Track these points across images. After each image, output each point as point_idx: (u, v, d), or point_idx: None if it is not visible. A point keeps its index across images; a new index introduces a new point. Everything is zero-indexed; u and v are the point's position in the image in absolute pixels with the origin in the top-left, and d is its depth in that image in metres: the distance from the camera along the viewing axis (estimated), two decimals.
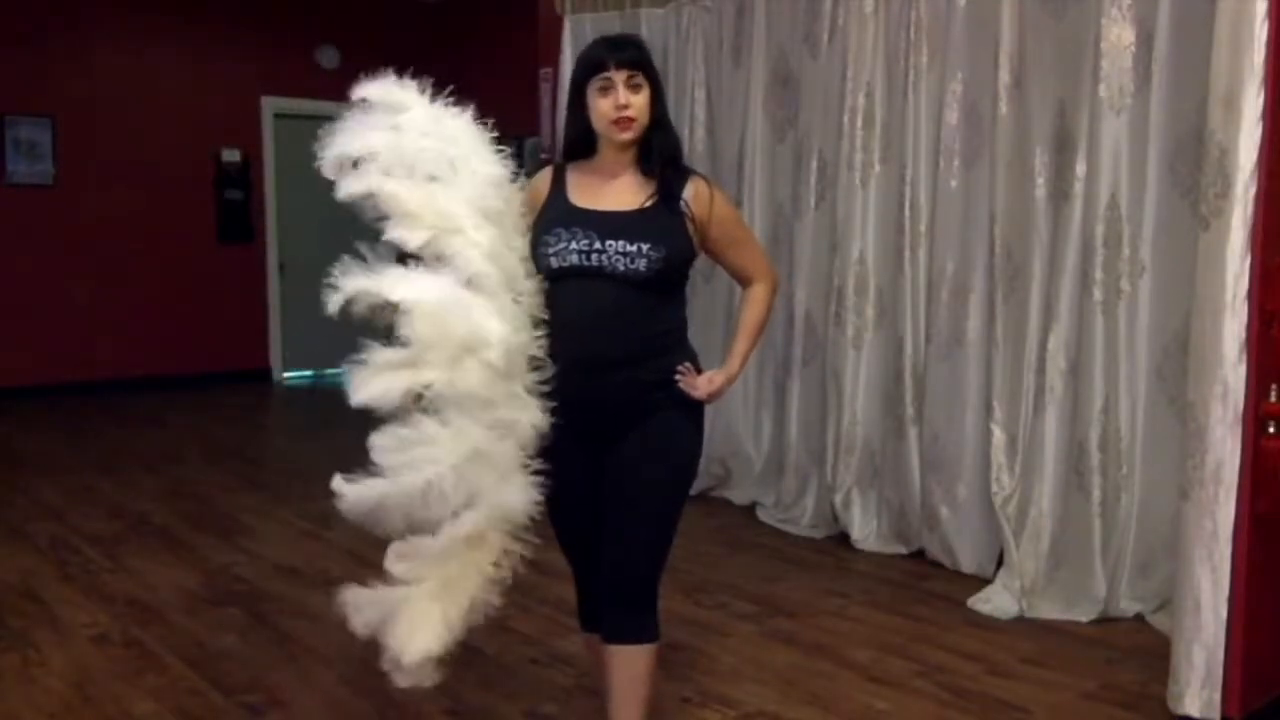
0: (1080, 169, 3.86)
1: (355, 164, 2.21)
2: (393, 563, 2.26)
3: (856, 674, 3.33)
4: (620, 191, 2.35)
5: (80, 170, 8.19)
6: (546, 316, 2.29)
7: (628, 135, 2.31)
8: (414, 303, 2.11)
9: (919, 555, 4.46)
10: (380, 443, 2.16)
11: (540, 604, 3.86)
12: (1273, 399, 2.84)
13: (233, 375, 8.82)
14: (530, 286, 2.28)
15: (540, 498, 2.27)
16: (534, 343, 2.24)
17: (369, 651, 3.44)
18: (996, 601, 3.88)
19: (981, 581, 4.08)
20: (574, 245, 2.27)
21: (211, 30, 8.59)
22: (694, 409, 2.42)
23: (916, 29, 4.38)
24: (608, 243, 2.27)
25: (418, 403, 2.17)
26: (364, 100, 2.26)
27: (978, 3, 4.15)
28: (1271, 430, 2.84)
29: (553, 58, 5.83)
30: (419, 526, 2.20)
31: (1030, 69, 4.00)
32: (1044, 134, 3.98)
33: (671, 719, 3.00)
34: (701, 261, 2.48)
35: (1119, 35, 3.72)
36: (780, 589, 4.12)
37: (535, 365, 2.25)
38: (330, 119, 2.25)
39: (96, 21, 8.21)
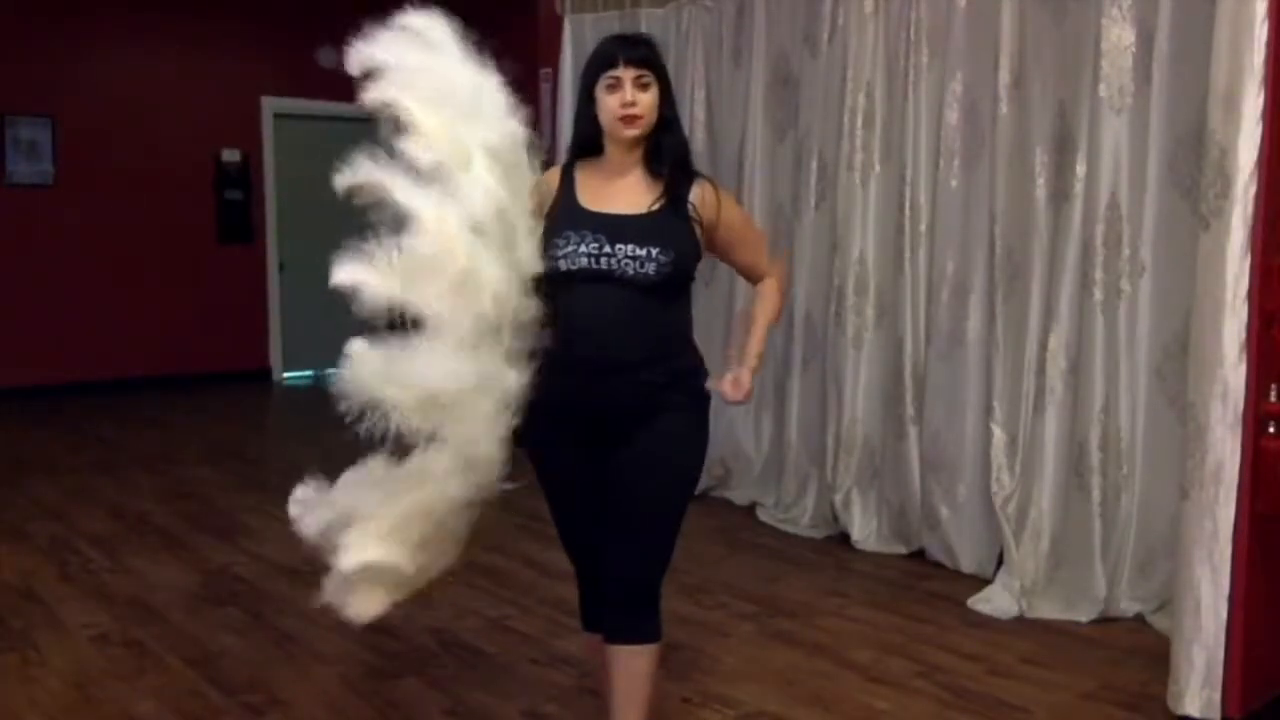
0: (1080, 169, 3.86)
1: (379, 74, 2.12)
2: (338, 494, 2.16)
3: (856, 674, 3.33)
4: (628, 193, 2.35)
5: (80, 170, 8.19)
6: (553, 318, 2.28)
7: (633, 132, 2.31)
8: (428, 218, 2.01)
9: (919, 555, 4.45)
10: (356, 348, 2.03)
11: (540, 604, 3.86)
12: (1273, 399, 2.85)
13: (233, 375, 8.82)
14: (528, 256, 2.20)
15: (507, 458, 2.14)
16: (525, 309, 2.17)
17: (370, 652, 3.45)
18: (996, 601, 3.88)
19: (981, 581, 4.08)
20: (583, 248, 2.27)
21: (211, 30, 8.59)
22: (700, 411, 2.42)
23: (916, 29, 4.38)
24: (617, 246, 2.27)
25: (395, 322, 2.04)
26: (404, 27, 2.19)
27: (978, 3, 4.15)
28: (1271, 430, 2.84)
29: (553, 58, 5.83)
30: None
31: (1030, 69, 4.00)
32: (1044, 134, 3.98)
33: (671, 719, 3.00)
34: (701, 265, 2.48)
35: (1119, 35, 3.72)
36: (780, 589, 4.12)
37: (525, 332, 2.18)
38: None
39: (96, 21, 8.21)
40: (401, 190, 2.04)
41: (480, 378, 2.08)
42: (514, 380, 2.13)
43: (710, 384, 2.36)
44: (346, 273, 2.01)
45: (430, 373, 2.04)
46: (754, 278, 2.54)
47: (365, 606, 2.19)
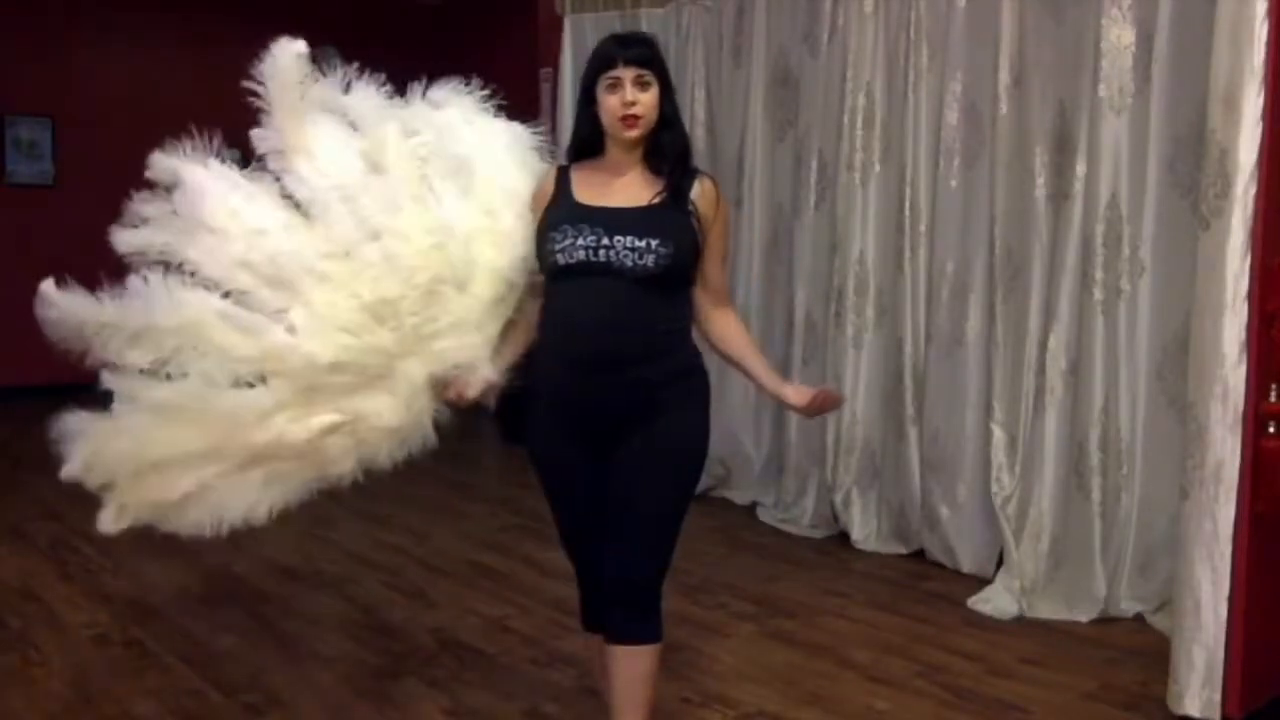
0: (1080, 169, 3.86)
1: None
2: None
3: (856, 674, 3.33)
4: (628, 188, 2.34)
5: (80, 170, 8.18)
6: (551, 315, 2.31)
7: (634, 133, 2.31)
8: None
9: (919, 555, 4.45)
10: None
11: (540, 604, 3.86)
12: (1273, 399, 2.84)
13: None
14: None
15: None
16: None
17: (370, 652, 3.45)
18: (996, 601, 3.87)
19: (981, 581, 4.08)
20: (581, 241, 2.25)
21: (211, 30, 8.58)
22: (700, 409, 2.41)
23: (916, 29, 4.38)
24: (616, 238, 2.26)
25: None
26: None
27: (978, 3, 4.15)
28: (1271, 430, 2.84)
29: (553, 58, 5.84)
30: None
31: (1030, 69, 4.00)
32: (1044, 134, 3.98)
33: (671, 719, 3.00)
34: None
35: (1119, 35, 3.72)
36: (780, 589, 4.12)
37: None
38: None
39: (97, 21, 8.20)
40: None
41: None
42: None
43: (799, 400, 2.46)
44: None
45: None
46: (709, 290, 2.44)
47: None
